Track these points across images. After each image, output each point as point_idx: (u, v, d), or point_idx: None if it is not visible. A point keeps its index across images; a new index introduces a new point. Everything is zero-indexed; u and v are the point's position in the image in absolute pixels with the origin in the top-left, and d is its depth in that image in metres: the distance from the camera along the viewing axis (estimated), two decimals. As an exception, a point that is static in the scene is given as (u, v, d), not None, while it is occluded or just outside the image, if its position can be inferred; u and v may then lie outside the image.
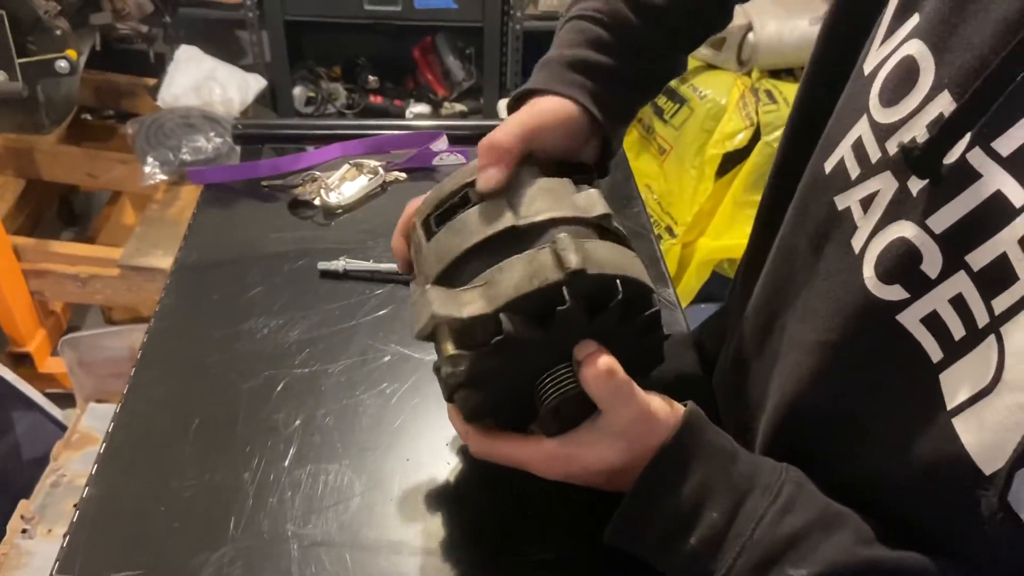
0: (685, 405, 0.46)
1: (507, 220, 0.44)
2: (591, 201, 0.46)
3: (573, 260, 0.41)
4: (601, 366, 0.43)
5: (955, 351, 0.38)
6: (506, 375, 0.44)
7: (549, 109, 0.52)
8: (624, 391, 0.44)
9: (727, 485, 0.44)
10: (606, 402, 0.44)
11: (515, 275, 0.42)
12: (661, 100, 1.89)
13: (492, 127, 0.99)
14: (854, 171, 0.44)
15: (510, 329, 0.41)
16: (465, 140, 0.93)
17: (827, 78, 0.51)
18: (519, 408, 0.47)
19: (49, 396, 1.50)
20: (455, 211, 0.46)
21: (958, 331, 0.38)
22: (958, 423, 0.37)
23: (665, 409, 0.46)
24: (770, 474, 0.45)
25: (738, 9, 1.93)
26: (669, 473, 0.45)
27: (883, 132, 0.41)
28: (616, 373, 0.44)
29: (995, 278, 0.36)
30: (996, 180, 0.35)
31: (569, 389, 0.44)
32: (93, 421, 1.40)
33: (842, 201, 0.45)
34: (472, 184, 0.46)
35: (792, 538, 0.42)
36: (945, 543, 0.41)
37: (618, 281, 0.43)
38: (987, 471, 0.36)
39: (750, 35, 1.77)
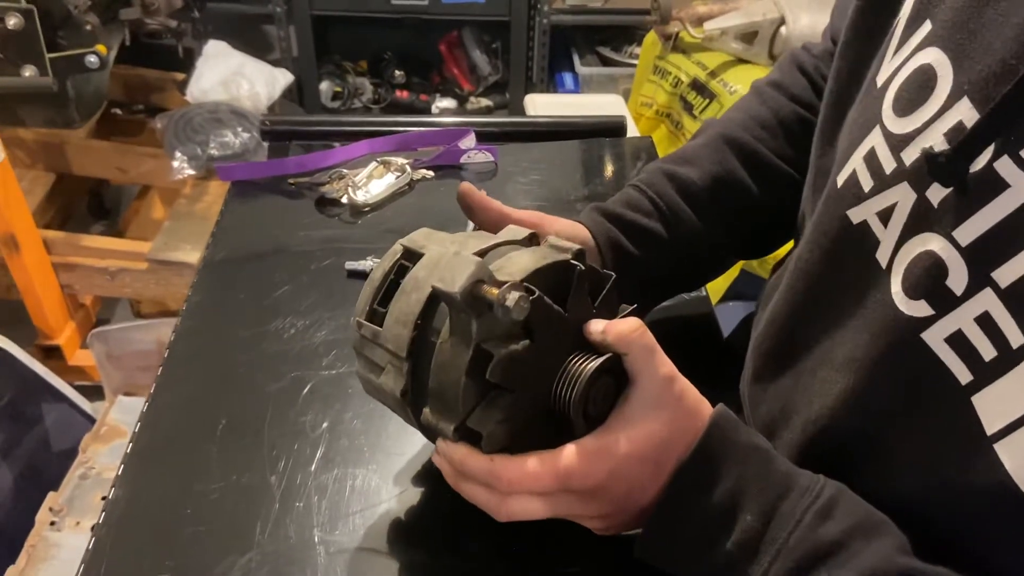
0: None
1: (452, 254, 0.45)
2: (515, 230, 0.49)
3: (572, 244, 0.45)
4: (630, 321, 0.43)
5: (987, 373, 0.36)
6: (526, 377, 0.43)
7: (562, 221, 0.58)
8: (654, 343, 0.43)
9: (762, 486, 0.42)
10: (639, 357, 0.43)
11: (524, 260, 0.43)
12: (691, 96, 1.87)
13: (520, 123, 1.00)
14: (867, 184, 0.42)
15: (539, 294, 0.41)
16: (493, 137, 0.92)
17: (846, 98, 0.49)
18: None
19: (78, 388, 1.52)
20: (395, 286, 0.46)
21: (988, 352, 0.36)
22: (1000, 449, 0.36)
23: (692, 387, 0.45)
24: (809, 477, 0.43)
25: (770, 2, 1.89)
26: (701, 474, 0.43)
27: (898, 142, 0.40)
28: (644, 326, 0.43)
29: None
30: None
31: (592, 367, 0.42)
32: (121, 414, 1.41)
33: (856, 215, 0.43)
34: (404, 255, 0.47)
35: (831, 546, 0.40)
36: (987, 566, 0.39)
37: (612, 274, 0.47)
38: None
39: (782, 29, 1.74)
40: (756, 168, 0.62)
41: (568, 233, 0.58)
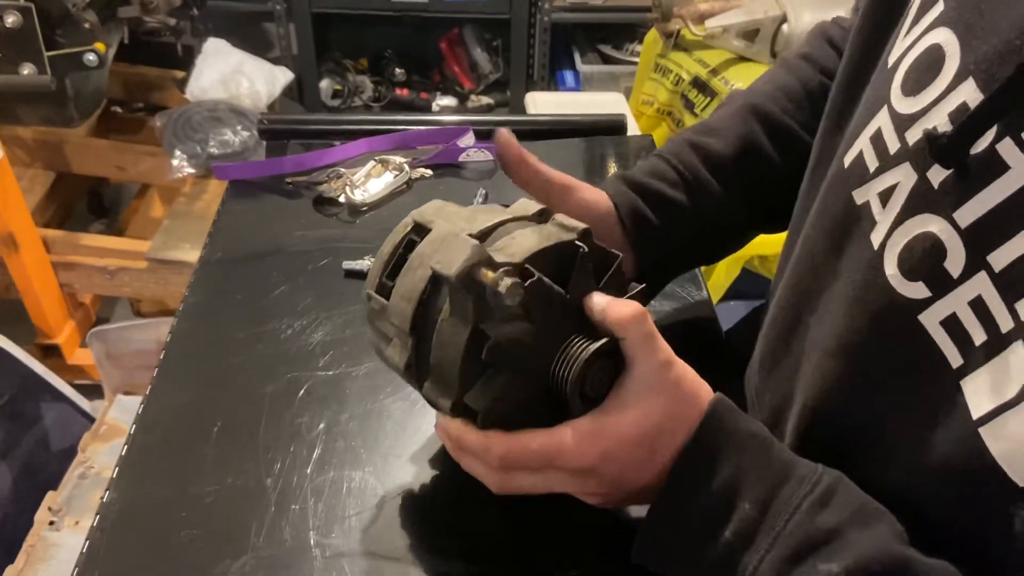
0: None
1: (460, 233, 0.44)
2: (526, 205, 0.49)
3: (579, 224, 0.45)
4: (630, 305, 0.43)
5: (977, 357, 0.36)
6: (523, 358, 0.43)
7: (589, 189, 0.59)
8: (652, 330, 0.43)
9: (760, 474, 0.42)
10: (636, 342, 0.43)
11: (528, 240, 0.43)
12: (692, 94, 1.86)
13: (521, 121, 0.99)
14: (872, 164, 0.42)
15: (538, 277, 0.41)
16: (491, 135, 0.92)
17: (858, 79, 0.49)
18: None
19: (77, 387, 1.51)
20: (404, 260, 0.46)
21: (979, 336, 0.36)
22: (985, 433, 0.36)
23: (692, 371, 0.45)
24: (807, 465, 0.43)
25: (772, 0, 1.88)
26: (699, 464, 0.43)
27: (903, 122, 0.40)
28: (644, 311, 0.43)
29: (1017, 280, 0.34)
30: None
31: (591, 349, 0.43)
32: (121, 413, 1.41)
33: (860, 196, 0.43)
34: (414, 229, 0.47)
35: (828, 534, 0.40)
36: (980, 554, 0.39)
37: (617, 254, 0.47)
38: (1022, 484, 0.34)
39: (784, 26, 1.73)
40: (781, 140, 0.62)
41: (592, 201, 0.58)
